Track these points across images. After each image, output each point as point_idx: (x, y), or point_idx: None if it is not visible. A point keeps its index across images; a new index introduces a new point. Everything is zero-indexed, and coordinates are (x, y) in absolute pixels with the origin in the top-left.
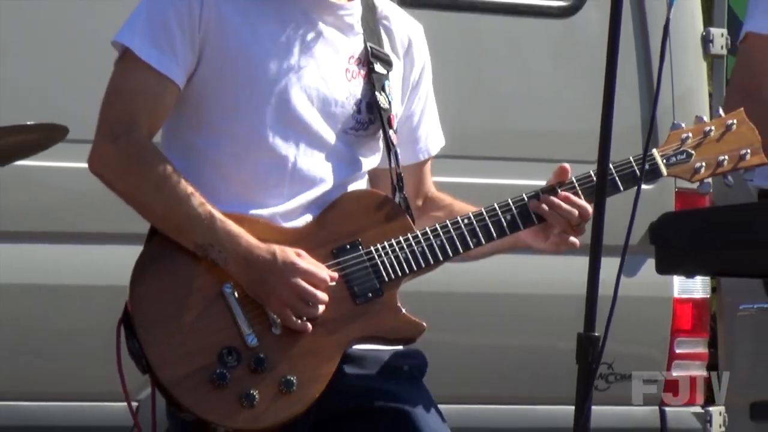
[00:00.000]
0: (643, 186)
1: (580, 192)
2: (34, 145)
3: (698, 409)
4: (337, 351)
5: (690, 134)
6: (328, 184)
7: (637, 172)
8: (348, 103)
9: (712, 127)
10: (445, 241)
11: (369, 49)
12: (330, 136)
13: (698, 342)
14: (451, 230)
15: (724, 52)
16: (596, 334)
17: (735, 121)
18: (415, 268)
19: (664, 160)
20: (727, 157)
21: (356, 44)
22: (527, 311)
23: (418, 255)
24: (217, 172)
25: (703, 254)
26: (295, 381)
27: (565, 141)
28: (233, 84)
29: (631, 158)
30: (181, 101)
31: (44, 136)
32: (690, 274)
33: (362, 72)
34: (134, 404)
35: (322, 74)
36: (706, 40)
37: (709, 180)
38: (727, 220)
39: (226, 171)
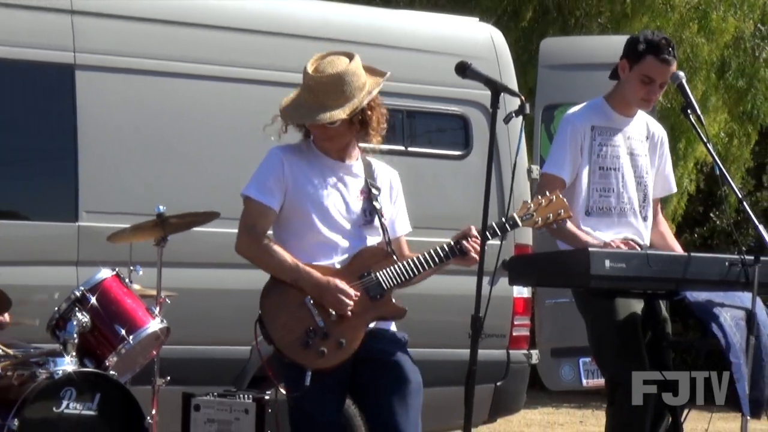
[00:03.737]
0: (498, 242)
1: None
2: (201, 221)
3: (525, 351)
4: (365, 324)
5: (532, 205)
6: (352, 250)
7: (507, 226)
8: (361, 212)
9: (543, 201)
10: (414, 266)
11: (367, 181)
12: (354, 230)
13: (526, 318)
14: (416, 261)
15: (538, 178)
16: (480, 315)
17: (554, 197)
18: (400, 282)
19: (520, 219)
20: (551, 214)
21: (361, 181)
22: (442, 303)
23: (401, 275)
24: (301, 249)
25: (530, 275)
26: (344, 342)
27: (461, 218)
28: (300, 210)
29: (503, 219)
30: (280, 214)
31: (206, 217)
32: (525, 285)
33: (365, 194)
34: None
35: (346, 200)
36: (529, 171)
37: (544, 228)
38: (542, 260)
39: (304, 249)
